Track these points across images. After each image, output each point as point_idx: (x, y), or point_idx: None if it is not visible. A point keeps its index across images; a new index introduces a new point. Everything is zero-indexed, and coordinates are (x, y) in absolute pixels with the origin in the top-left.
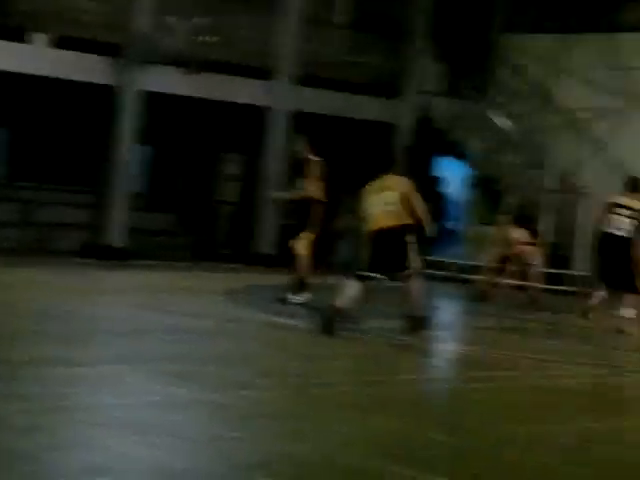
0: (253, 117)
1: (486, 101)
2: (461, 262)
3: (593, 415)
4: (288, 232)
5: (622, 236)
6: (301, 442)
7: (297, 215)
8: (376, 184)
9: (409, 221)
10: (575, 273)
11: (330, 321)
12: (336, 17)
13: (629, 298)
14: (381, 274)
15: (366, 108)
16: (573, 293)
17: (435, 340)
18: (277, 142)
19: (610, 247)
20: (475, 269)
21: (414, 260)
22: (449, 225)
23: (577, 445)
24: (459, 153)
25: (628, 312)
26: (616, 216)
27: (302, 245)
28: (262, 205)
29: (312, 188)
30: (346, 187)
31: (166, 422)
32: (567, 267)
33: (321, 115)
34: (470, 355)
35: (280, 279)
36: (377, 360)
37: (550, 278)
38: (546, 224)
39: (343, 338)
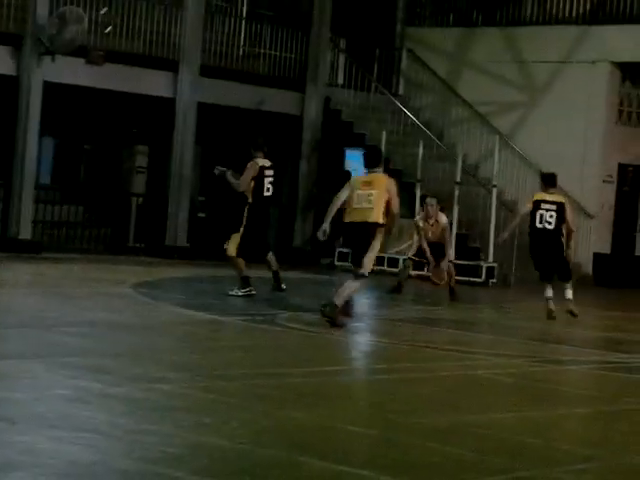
0: (160, 109)
1: (392, 94)
2: None
3: (509, 405)
4: (201, 225)
5: (552, 230)
6: (214, 435)
7: (231, 213)
8: (362, 179)
9: (381, 220)
10: (485, 264)
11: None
12: (241, 8)
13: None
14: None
15: (273, 100)
16: (484, 284)
17: (351, 332)
18: (184, 133)
19: (543, 242)
20: (387, 261)
21: (370, 261)
22: None
23: (492, 435)
24: (367, 145)
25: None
26: (544, 212)
27: (232, 247)
28: (173, 197)
29: (245, 186)
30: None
31: (76, 416)
32: (477, 259)
33: (227, 107)
34: (386, 347)
35: (193, 271)
36: (291, 352)
37: (461, 269)
38: (456, 216)
39: (257, 330)
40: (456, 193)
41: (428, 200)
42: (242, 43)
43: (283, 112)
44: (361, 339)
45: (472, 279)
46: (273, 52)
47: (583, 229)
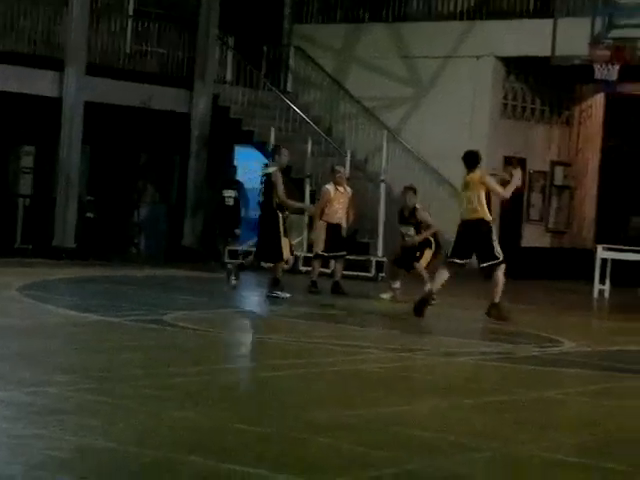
0: (45, 108)
1: (280, 90)
2: None
3: (397, 399)
4: (90, 225)
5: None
6: (101, 437)
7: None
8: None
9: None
10: (374, 259)
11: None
12: (127, 6)
13: None
14: None
15: (160, 98)
16: (374, 279)
17: (240, 329)
18: (70, 133)
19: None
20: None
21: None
22: (249, 214)
23: (381, 428)
24: (256, 142)
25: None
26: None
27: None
28: (61, 197)
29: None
30: (145, 176)
31: None
32: (367, 253)
33: (115, 106)
34: (276, 343)
35: (81, 272)
36: (180, 351)
37: (350, 264)
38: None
39: (146, 330)
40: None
41: (337, 167)
42: (129, 41)
43: (171, 110)
44: (252, 336)
45: (362, 274)
46: (160, 50)
47: None
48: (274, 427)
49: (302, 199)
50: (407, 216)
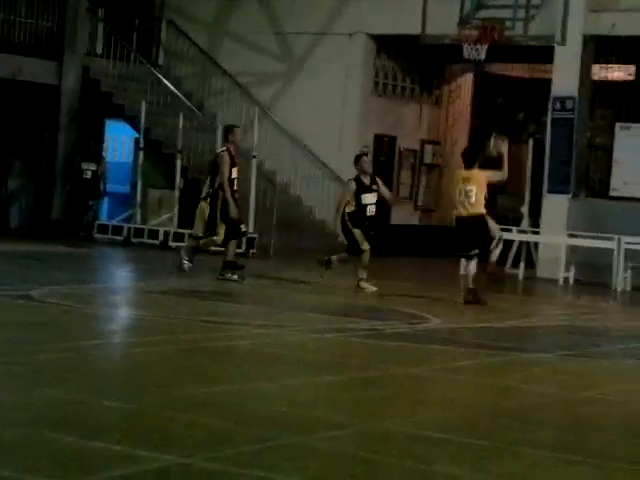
0: None
1: (152, 64)
2: (134, 226)
3: (265, 375)
4: None
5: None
6: None
7: None
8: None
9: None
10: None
11: None
12: None
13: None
14: None
15: (29, 70)
16: (244, 255)
17: (110, 305)
18: None
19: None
20: (148, 232)
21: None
22: (118, 189)
23: (249, 405)
24: (127, 116)
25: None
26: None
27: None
28: None
29: None
30: (13, 149)
31: None
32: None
33: None
34: (146, 320)
35: None
36: (47, 327)
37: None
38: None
39: (13, 306)
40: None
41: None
42: None
43: (40, 82)
44: (121, 313)
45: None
46: (29, 20)
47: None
48: (140, 404)
49: (172, 175)
50: (369, 184)
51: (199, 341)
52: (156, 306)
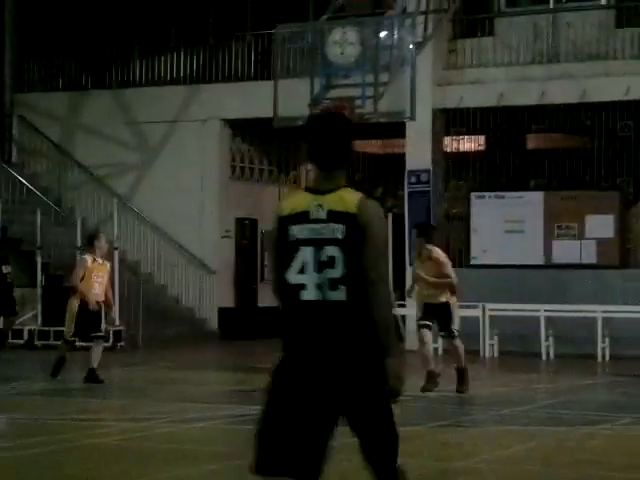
0: None
1: (5, 161)
2: None
3: (138, 471)
4: None
5: None
6: None
7: None
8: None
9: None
10: (111, 328)
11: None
12: None
13: None
14: None
15: None
16: (112, 349)
17: None
18: None
19: None
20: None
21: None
22: None
23: None
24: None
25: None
26: None
27: None
28: None
29: None
30: None
31: None
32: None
33: None
34: (12, 421)
35: None
36: None
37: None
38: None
39: None
40: (78, 258)
41: (99, 236)
42: None
43: None
44: None
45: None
46: None
47: (207, 284)
48: None
49: (34, 273)
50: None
51: (70, 441)
52: (25, 407)
